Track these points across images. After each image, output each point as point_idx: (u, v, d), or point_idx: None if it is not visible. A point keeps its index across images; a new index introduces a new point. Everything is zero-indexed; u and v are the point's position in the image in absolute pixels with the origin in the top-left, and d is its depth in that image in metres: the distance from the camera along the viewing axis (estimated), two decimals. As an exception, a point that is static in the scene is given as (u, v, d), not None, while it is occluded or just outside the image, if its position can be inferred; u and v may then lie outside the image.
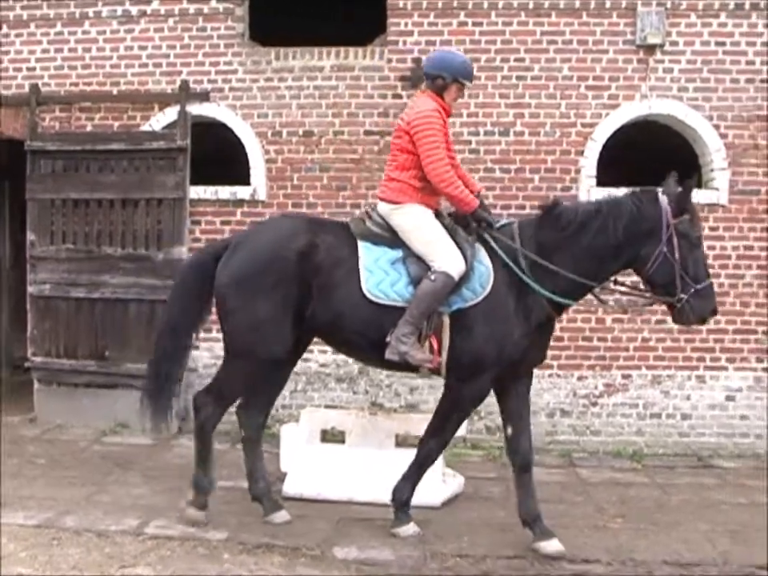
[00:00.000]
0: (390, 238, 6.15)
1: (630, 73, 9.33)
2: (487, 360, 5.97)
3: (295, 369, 7.02)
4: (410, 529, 6.27)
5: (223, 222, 9.55)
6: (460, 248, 5.99)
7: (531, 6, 9.32)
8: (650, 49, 9.28)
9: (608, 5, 9.31)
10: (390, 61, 9.44)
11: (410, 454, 6.67)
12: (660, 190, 6.05)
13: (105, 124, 9.70)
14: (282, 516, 6.45)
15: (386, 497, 6.43)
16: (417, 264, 6.01)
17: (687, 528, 6.73)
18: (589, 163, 9.32)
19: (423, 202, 6.16)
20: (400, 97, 9.40)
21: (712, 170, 9.27)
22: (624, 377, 9.32)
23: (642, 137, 9.66)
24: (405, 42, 9.44)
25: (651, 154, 9.74)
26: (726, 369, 9.30)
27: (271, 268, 6.04)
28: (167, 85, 9.64)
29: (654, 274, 5.96)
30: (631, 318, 9.18)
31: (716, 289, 8.46)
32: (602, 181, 9.22)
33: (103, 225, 9.58)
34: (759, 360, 9.29)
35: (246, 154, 9.59)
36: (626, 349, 9.31)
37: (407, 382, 9.27)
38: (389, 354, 5.93)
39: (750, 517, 7.08)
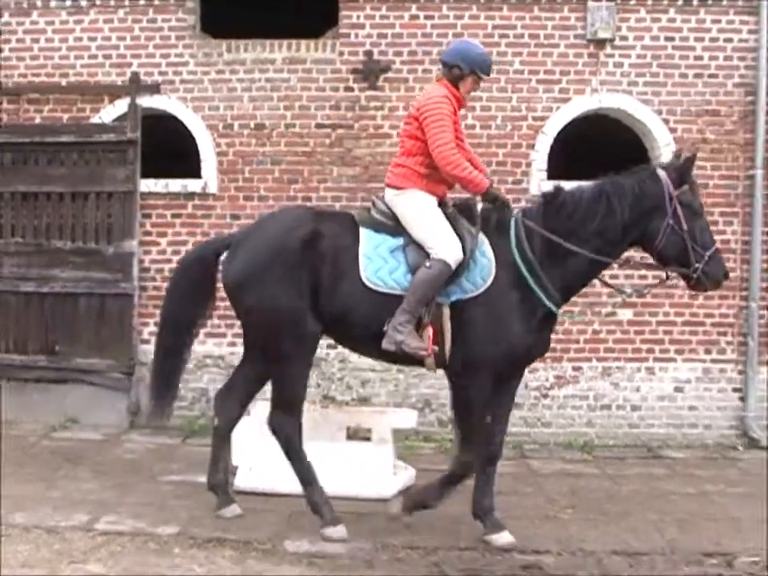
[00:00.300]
0: (393, 225, 6.10)
1: (580, 67, 9.40)
2: (489, 357, 5.92)
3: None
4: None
5: (174, 216, 9.50)
6: (460, 238, 5.93)
7: (482, 0, 9.36)
8: (601, 43, 9.36)
9: (559, -1, 9.39)
10: (341, 54, 9.43)
11: (361, 447, 6.69)
12: (657, 164, 6.17)
13: (54, 116, 9.61)
14: (233, 510, 6.42)
15: (337, 489, 6.43)
16: (416, 252, 5.95)
17: (636, 518, 6.80)
18: (540, 157, 9.38)
19: (428, 189, 6.10)
20: (352, 90, 9.42)
21: (661, 164, 9.36)
22: (575, 369, 9.40)
23: (593, 130, 9.73)
24: (357, 35, 9.44)
25: (602, 148, 9.83)
26: (674, 360, 9.42)
27: (277, 259, 5.97)
28: (117, 77, 9.56)
29: (664, 247, 6.01)
30: (581, 311, 9.24)
31: (664, 281, 8.69)
32: (553, 174, 9.27)
33: (53, 218, 9.48)
34: (707, 351, 9.42)
35: (197, 147, 9.55)
36: (577, 341, 9.39)
37: (359, 375, 9.29)
38: (385, 344, 5.85)
39: (698, 506, 7.19)
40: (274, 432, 6.16)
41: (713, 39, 9.37)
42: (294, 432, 6.12)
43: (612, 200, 5.97)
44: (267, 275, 5.97)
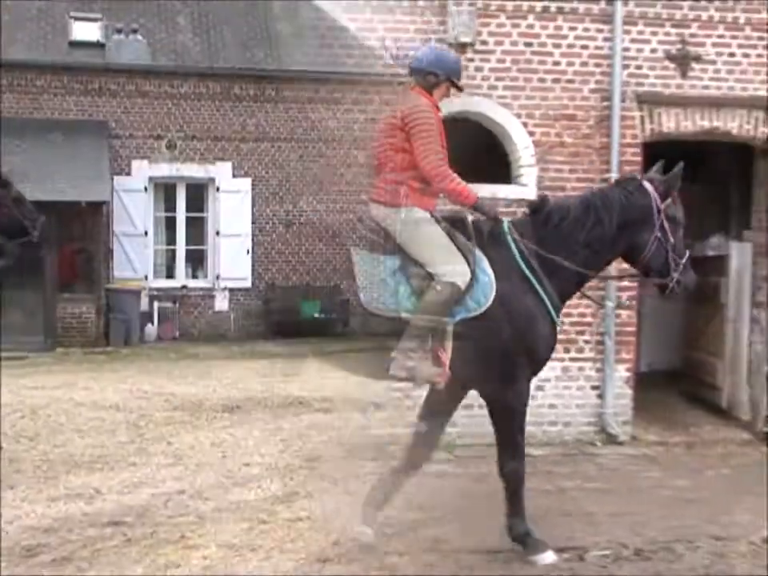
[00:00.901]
0: (385, 244, 5.81)
1: (441, 70, 9.47)
2: (523, 365, 5.90)
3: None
4: (549, 556, 5.99)
5: None
6: (462, 255, 5.71)
7: (344, 3, 9.37)
8: (462, 47, 9.45)
9: (420, 3, 9.43)
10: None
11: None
12: (644, 177, 6.22)
13: None
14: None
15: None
16: (418, 273, 5.70)
17: (495, 516, 6.87)
18: (401, 159, 9.41)
19: (423, 204, 5.77)
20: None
21: (520, 167, 9.52)
22: (438, 369, 9.45)
23: (454, 134, 9.83)
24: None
25: (465, 151, 9.96)
26: (535, 360, 9.57)
27: None
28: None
29: (650, 260, 6.07)
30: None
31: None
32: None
33: None
34: (566, 351, 9.60)
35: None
36: (440, 342, 9.44)
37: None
38: (394, 370, 5.63)
39: (555, 502, 7.35)
40: None
41: (570, 46, 9.59)
42: None
43: (600, 212, 5.96)
44: None
